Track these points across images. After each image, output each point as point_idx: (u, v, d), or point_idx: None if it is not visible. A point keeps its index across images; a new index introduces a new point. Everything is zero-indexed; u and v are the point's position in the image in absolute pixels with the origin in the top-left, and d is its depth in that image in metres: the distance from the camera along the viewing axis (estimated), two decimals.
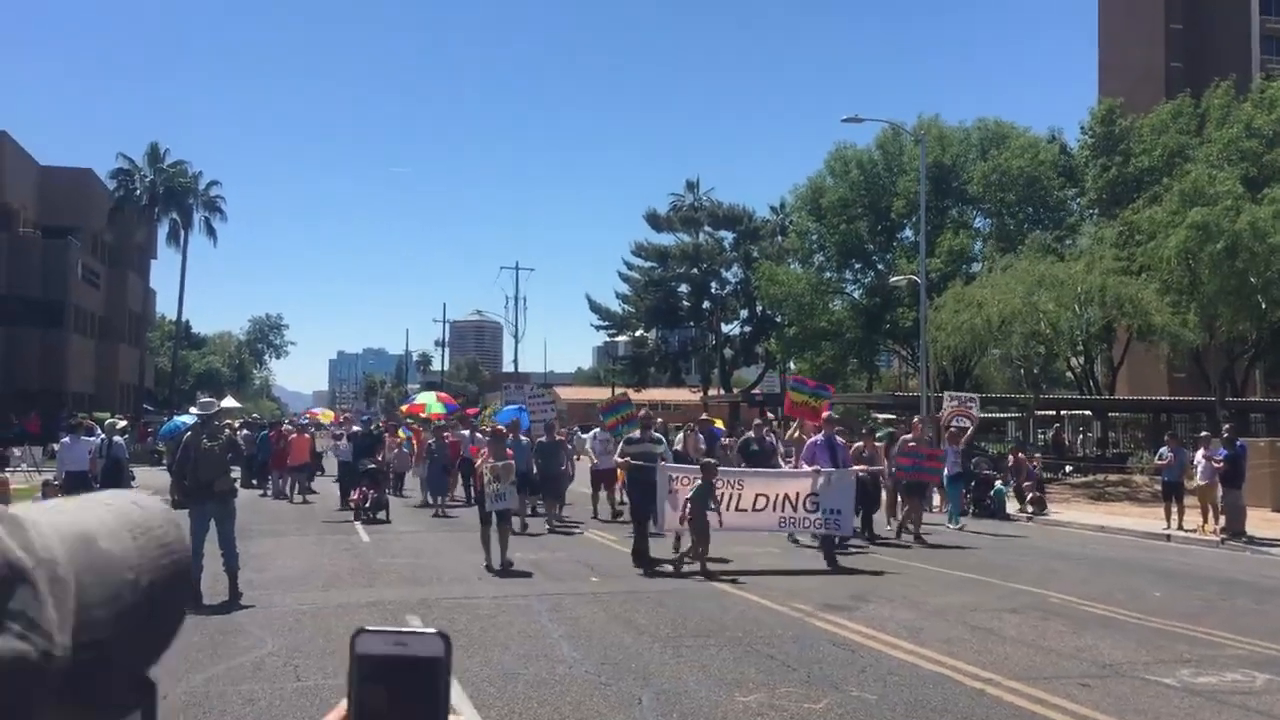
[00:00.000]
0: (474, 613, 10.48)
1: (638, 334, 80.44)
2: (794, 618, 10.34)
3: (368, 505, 19.73)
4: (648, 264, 78.80)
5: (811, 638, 9.40)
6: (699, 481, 13.53)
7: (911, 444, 19.19)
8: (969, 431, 23.65)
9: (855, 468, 15.90)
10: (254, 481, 28.55)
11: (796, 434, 17.89)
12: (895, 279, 43.96)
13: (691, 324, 78.77)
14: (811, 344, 59.07)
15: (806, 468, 14.78)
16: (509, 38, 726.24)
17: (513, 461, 13.82)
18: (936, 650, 8.88)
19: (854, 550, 15.83)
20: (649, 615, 10.36)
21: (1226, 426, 21.87)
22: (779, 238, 70.84)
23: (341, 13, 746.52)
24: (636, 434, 14.57)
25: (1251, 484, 21.40)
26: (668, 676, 7.94)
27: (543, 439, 20.23)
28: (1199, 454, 20.90)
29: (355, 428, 25.70)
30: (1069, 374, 55.18)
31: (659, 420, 17.52)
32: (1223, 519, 19.66)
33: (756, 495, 14.18)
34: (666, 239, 78.95)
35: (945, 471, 20.56)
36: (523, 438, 19.22)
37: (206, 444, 11.14)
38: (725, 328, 77.24)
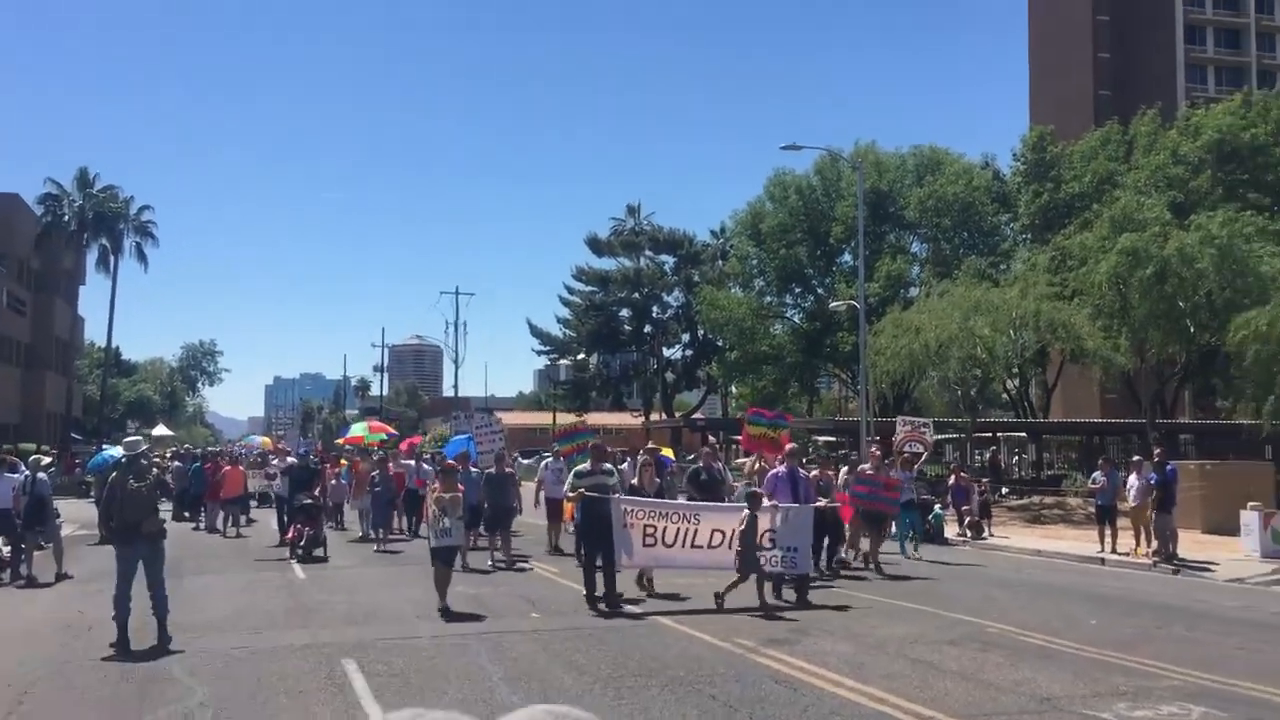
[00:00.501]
0: (412, 654, 10.27)
1: (579, 358, 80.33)
2: (736, 654, 10.27)
3: (303, 543, 18.85)
4: (589, 288, 78.89)
5: (753, 675, 9.34)
6: (746, 513, 13.28)
7: (869, 472, 18.79)
8: (923, 457, 23.48)
9: (817, 502, 15.26)
10: (186, 514, 27.98)
11: (756, 466, 17.43)
12: (835, 304, 44.36)
13: (633, 348, 78.92)
14: (752, 368, 59.41)
15: (765, 501, 14.22)
16: (448, 62, 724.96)
17: (460, 494, 13.30)
18: (878, 687, 8.86)
19: (817, 585, 14.97)
20: (590, 654, 10.24)
21: (1157, 451, 22.28)
22: (720, 262, 71.27)
23: (277, 35, 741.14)
24: (587, 465, 13.82)
25: (1182, 506, 21.79)
26: None
27: (491, 470, 18.98)
28: (1131, 477, 21.25)
29: (291, 459, 24.30)
30: (1005, 395, 55.98)
31: (612, 450, 16.96)
32: (1154, 542, 19.97)
33: (713, 531, 13.51)
34: (608, 263, 79.20)
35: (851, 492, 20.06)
36: (472, 469, 18.70)
37: (133, 484, 10.83)
38: (666, 352, 77.57)
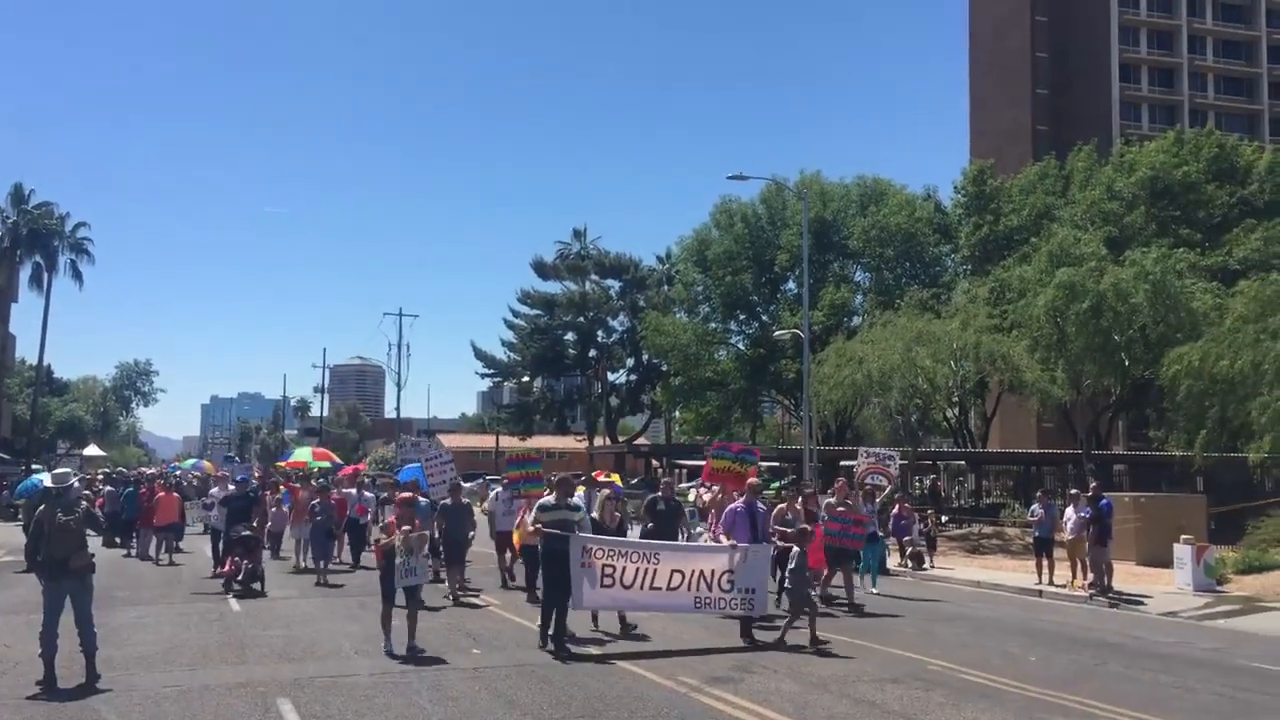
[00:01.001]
0: (349, 693, 10.08)
1: (523, 381, 79.99)
2: (679, 694, 10.21)
3: (240, 578, 17.95)
4: (534, 312, 78.65)
5: (696, 717, 9.29)
6: (795, 550, 13.36)
7: (839, 508, 17.98)
8: (885, 490, 22.66)
9: (774, 540, 14.82)
10: (117, 540, 27.30)
11: (717, 498, 17.20)
12: (779, 332, 44.64)
13: (577, 372, 78.77)
14: (697, 394, 59.60)
15: (723, 538, 13.92)
16: (390, 84, 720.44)
17: (425, 531, 12.74)
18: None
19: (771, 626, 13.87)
20: (532, 694, 10.11)
21: (1093, 485, 22.61)
22: (665, 287, 71.45)
23: (214, 51, 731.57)
24: (551, 498, 13.16)
25: (1117, 538, 22.12)
26: None
27: (446, 500, 18.34)
28: (1069, 510, 21.54)
29: (230, 486, 22.70)
30: (945, 424, 56.64)
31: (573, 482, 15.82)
32: (1090, 575, 20.24)
33: (672, 572, 13.09)
34: (553, 287, 79.07)
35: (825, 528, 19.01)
36: (421, 499, 17.74)
37: (61, 519, 10.54)
38: (611, 376, 77.39)
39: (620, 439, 77.07)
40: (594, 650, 12.53)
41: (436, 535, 17.51)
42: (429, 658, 12.00)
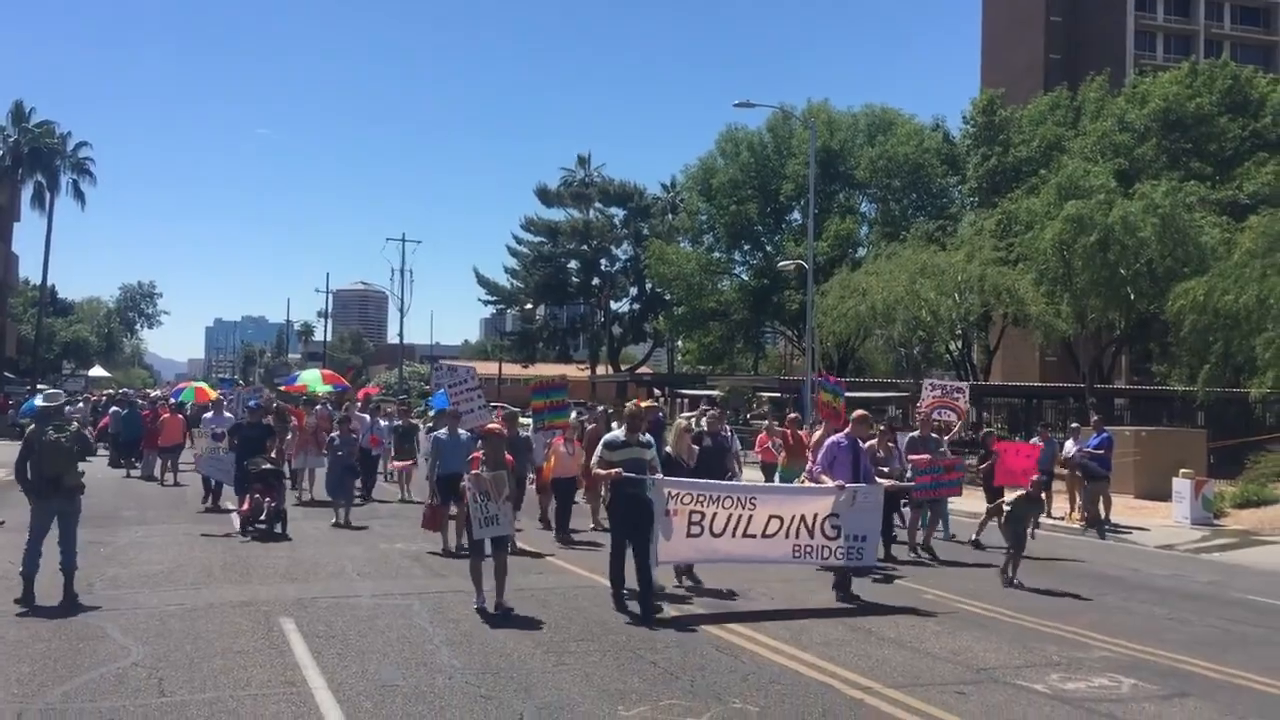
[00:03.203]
0: (352, 614, 10.19)
1: (526, 309, 79.96)
2: (678, 619, 10.31)
3: (263, 519, 15.53)
4: (537, 239, 78.39)
5: (694, 642, 9.38)
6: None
7: (924, 455, 15.95)
8: (955, 428, 19.64)
9: (884, 482, 12.85)
10: (122, 461, 27.48)
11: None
12: (784, 263, 44.47)
13: (580, 300, 78.69)
14: (699, 324, 59.69)
15: (824, 477, 11.91)
16: (397, 10, 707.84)
17: (504, 472, 10.51)
18: (817, 655, 8.94)
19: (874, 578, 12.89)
20: (530, 617, 10.20)
21: (1094, 419, 22.65)
22: (670, 216, 71.15)
23: None
24: (620, 433, 11.17)
25: (1116, 472, 22.20)
26: (550, 688, 7.81)
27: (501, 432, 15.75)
28: (1069, 443, 21.59)
29: (228, 415, 20.90)
30: (948, 356, 56.61)
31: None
32: (1090, 509, 20.36)
33: (769, 517, 11.38)
34: (557, 214, 78.72)
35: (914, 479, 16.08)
36: (461, 431, 15.12)
37: (52, 436, 10.57)
38: (614, 305, 77.36)
39: (623, 368, 77.24)
40: (675, 612, 10.73)
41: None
42: (429, 581, 12.10)
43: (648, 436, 11.31)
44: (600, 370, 75.00)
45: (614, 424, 13.81)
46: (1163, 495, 22.85)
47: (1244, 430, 34.26)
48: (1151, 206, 34.19)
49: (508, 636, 9.42)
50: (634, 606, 10.56)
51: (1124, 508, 22.53)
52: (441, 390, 22.33)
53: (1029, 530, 13.28)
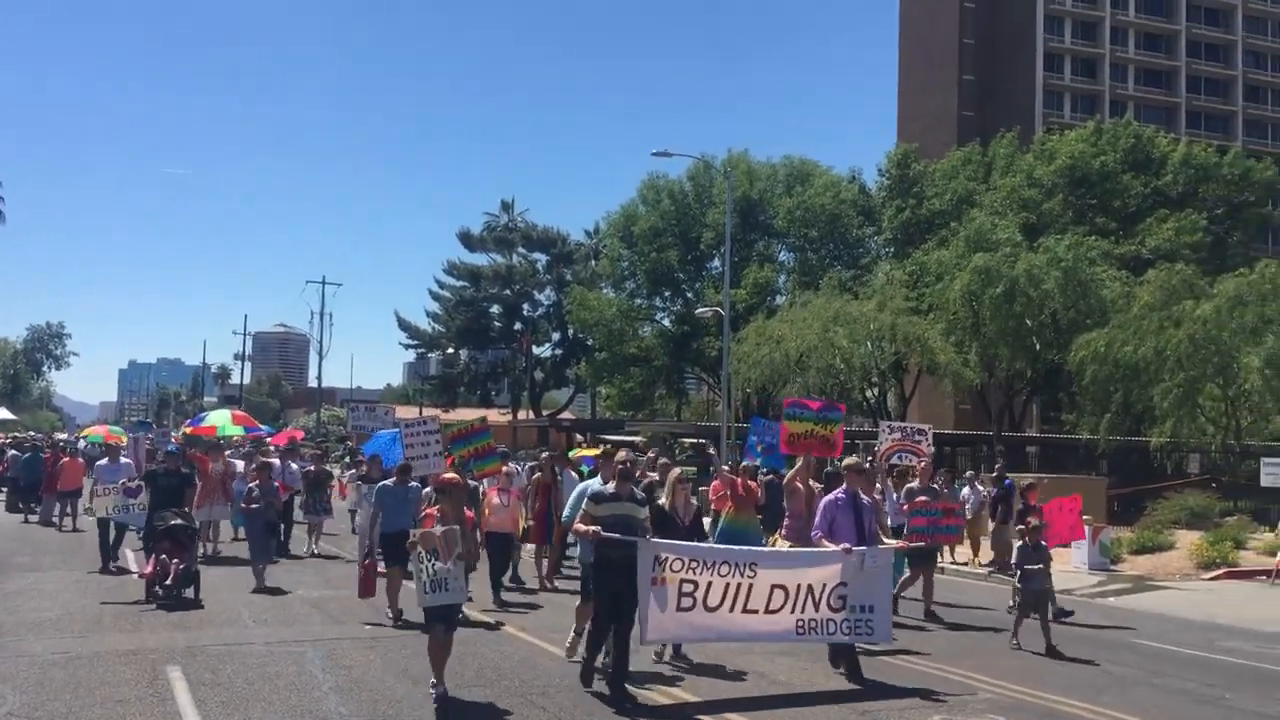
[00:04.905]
0: (242, 661, 10.04)
1: (448, 353, 79.52)
2: (573, 665, 10.31)
3: (169, 581, 13.43)
4: (460, 283, 78.16)
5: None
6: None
7: (921, 498, 15.12)
8: (924, 469, 16.74)
9: (892, 543, 11.55)
10: (20, 505, 26.72)
11: (796, 481, 12.98)
12: (701, 309, 44.96)
13: (502, 345, 78.46)
14: (621, 369, 59.89)
15: (825, 541, 10.30)
16: (314, 50, 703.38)
17: (456, 528, 8.84)
18: (704, 694, 9.02)
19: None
20: (426, 664, 10.12)
21: (997, 465, 23.18)
22: (592, 262, 71.48)
23: (132, 10, 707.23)
24: (610, 487, 9.77)
25: (1019, 518, 22.64)
26: None
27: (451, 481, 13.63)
28: (965, 490, 22.07)
29: (125, 461, 19.21)
30: (865, 404, 57.48)
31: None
32: (991, 553, 20.80)
33: (772, 587, 9.79)
34: (480, 259, 78.62)
35: (907, 524, 15.15)
36: (413, 482, 13.74)
37: None
38: (536, 350, 77.22)
39: (545, 413, 77.05)
40: (663, 699, 9.27)
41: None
42: (324, 627, 11.95)
43: (639, 491, 9.87)
44: (522, 415, 74.72)
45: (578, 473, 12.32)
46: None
47: (1146, 477, 35.24)
48: (1055, 260, 35.33)
49: (399, 682, 9.37)
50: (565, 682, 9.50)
51: None
52: (380, 434, 21.40)
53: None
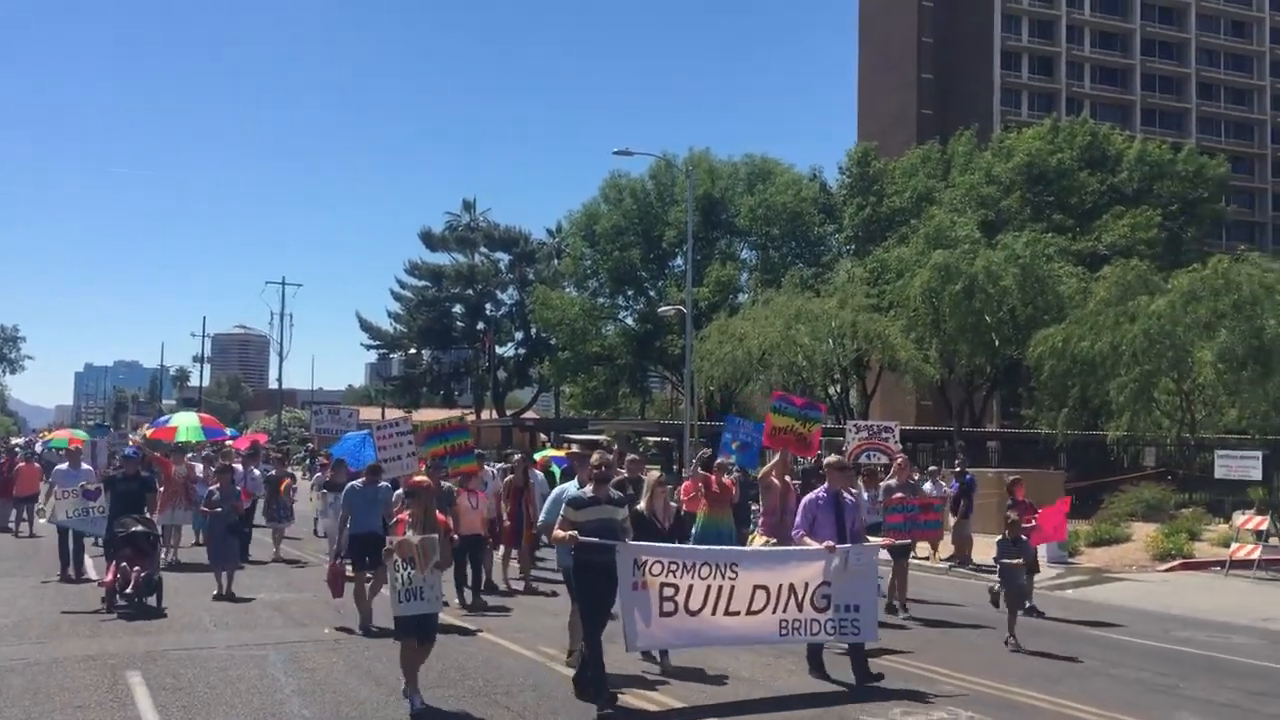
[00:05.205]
0: (203, 665, 9.99)
1: (410, 353, 79.20)
2: (537, 663, 10.36)
3: (130, 590, 13.09)
4: (421, 283, 77.86)
5: (551, 686, 9.44)
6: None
7: (898, 494, 15.30)
8: (890, 471, 16.83)
9: (877, 540, 11.70)
10: None
11: (772, 476, 12.30)
12: (664, 308, 45.07)
13: (465, 345, 78.22)
14: (584, 368, 59.84)
15: (807, 540, 10.15)
16: (272, 50, 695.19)
17: (435, 536, 8.64)
18: (673, 697, 9.06)
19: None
20: (390, 665, 10.08)
21: (958, 460, 23.41)
22: (555, 261, 71.42)
23: (76, 5, 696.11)
24: (587, 490, 9.42)
25: (979, 512, 22.92)
26: None
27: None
28: (927, 485, 22.23)
29: (86, 466, 17.89)
30: (827, 401, 57.83)
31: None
32: (951, 547, 21.00)
33: (754, 588, 9.60)
34: (442, 258, 78.38)
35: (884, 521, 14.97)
36: (383, 482, 13.23)
37: None
38: (499, 349, 77.06)
39: (508, 413, 76.91)
40: (642, 703, 9.10)
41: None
42: (288, 630, 11.89)
43: (617, 493, 9.55)
44: (485, 415, 74.53)
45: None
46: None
47: (1103, 471, 35.73)
48: (1013, 256, 35.74)
49: (362, 684, 9.36)
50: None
51: (987, 547, 23.20)
52: (347, 437, 21.01)
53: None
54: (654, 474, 11.19)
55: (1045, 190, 49.45)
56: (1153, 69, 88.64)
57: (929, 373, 38.13)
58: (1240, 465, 24.82)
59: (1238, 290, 29.38)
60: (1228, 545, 20.52)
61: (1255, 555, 19.35)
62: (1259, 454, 25.19)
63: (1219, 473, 25.08)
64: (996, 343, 37.31)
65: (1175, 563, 20.57)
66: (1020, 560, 12.36)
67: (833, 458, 11.18)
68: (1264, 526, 19.96)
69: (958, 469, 22.53)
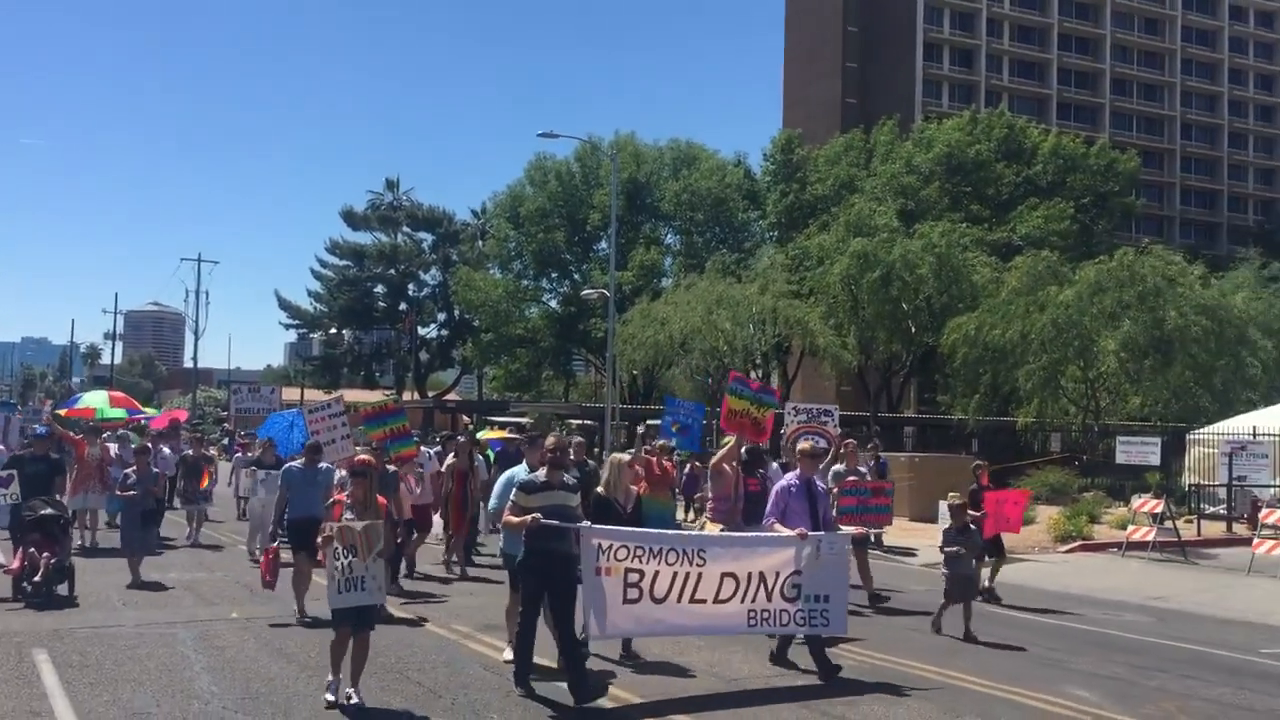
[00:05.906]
0: (111, 644, 9.93)
1: (331, 333, 78.29)
2: (450, 640, 10.48)
3: (38, 578, 12.24)
4: (342, 262, 77.00)
5: (463, 662, 9.58)
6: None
7: (850, 478, 15.18)
8: (827, 454, 15.89)
9: (849, 529, 11.61)
10: None
11: (724, 463, 11.97)
12: (588, 291, 45.19)
13: (387, 325, 77.53)
14: (507, 350, 59.78)
15: (778, 526, 9.88)
16: (190, 23, 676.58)
17: (380, 523, 8.25)
18: (633, 693, 8.81)
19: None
20: (301, 642, 10.19)
21: (870, 445, 23.90)
22: (479, 243, 71.11)
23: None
24: (540, 475, 8.97)
25: (894, 495, 23.42)
26: (309, 710, 7.88)
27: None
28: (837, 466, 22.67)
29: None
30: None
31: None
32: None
33: (722, 576, 9.26)
34: (364, 237, 77.59)
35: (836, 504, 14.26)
36: (321, 464, 12.42)
37: None
38: (422, 331, 76.52)
39: (430, 394, 76.45)
40: (605, 701, 8.55)
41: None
42: (197, 609, 11.86)
43: (571, 478, 9.19)
44: (407, 396, 74.02)
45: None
46: (934, 518, 24.22)
47: (1013, 455, 36.69)
48: (929, 245, 36.49)
49: (273, 661, 9.40)
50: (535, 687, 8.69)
51: (898, 529, 23.73)
52: (275, 416, 20.37)
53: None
54: (620, 455, 10.87)
55: (963, 181, 50.46)
56: (1069, 64, 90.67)
57: (847, 359, 38.81)
58: (1140, 451, 25.76)
59: (1141, 282, 30.39)
60: (1124, 527, 21.32)
61: (1150, 537, 20.16)
62: (1158, 440, 26.16)
63: (1120, 458, 25.99)
64: (913, 330, 38.12)
65: (1075, 544, 21.30)
66: (959, 548, 12.24)
67: (805, 445, 10.94)
68: (1159, 510, 20.75)
69: (870, 452, 22.98)
